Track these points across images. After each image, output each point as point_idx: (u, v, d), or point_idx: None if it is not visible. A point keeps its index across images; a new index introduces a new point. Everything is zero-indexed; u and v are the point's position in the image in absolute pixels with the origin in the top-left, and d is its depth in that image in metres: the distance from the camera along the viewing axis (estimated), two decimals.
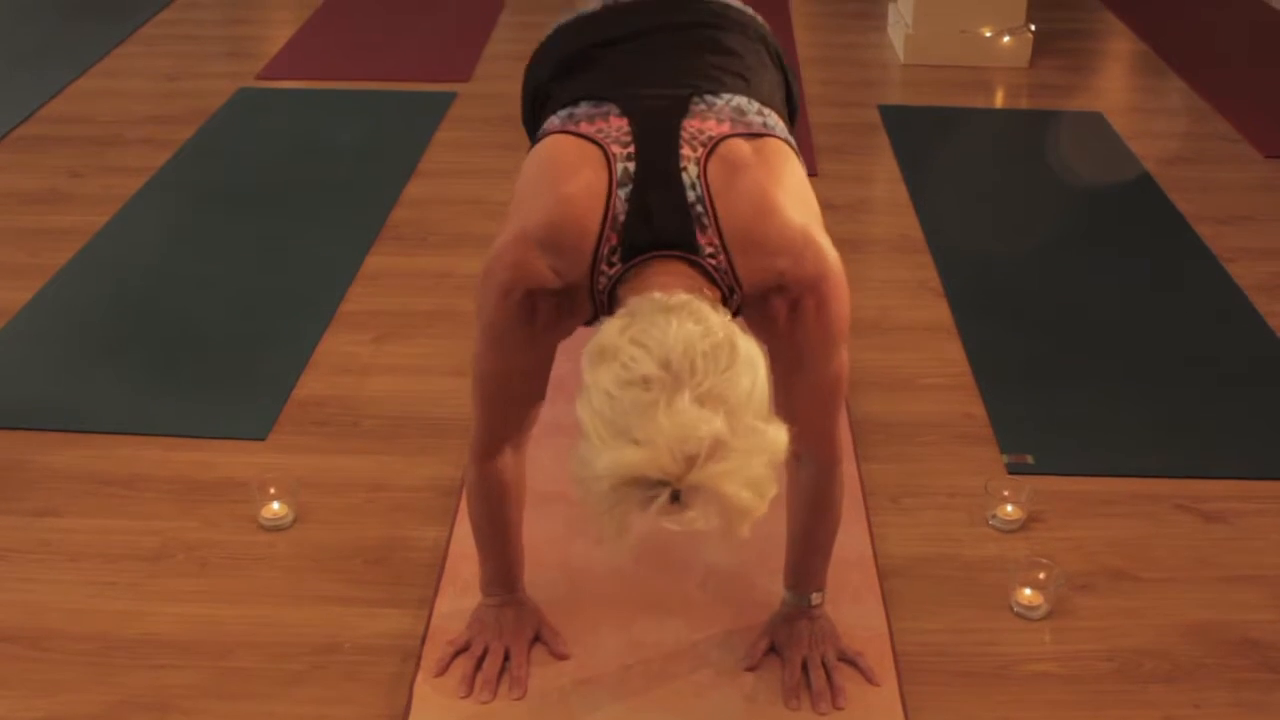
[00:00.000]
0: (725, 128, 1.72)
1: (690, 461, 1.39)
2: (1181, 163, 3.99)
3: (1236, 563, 2.31)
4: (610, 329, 1.49)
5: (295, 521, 2.38)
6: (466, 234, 3.47)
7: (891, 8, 5.18)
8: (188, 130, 4.15)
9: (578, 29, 1.96)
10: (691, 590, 2.20)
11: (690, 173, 1.67)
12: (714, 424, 1.40)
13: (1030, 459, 2.57)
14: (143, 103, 4.41)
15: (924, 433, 2.66)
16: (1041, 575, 2.18)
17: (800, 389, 1.78)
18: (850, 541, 2.30)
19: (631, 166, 1.67)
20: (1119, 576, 2.27)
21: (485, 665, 2.02)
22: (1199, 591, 2.24)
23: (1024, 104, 4.55)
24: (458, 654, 2.05)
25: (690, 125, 1.71)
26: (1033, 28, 4.84)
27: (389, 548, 2.32)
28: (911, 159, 3.98)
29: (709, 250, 1.65)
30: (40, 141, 4.09)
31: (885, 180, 3.86)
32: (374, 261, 3.32)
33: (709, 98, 1.75)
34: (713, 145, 1.69)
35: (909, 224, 3.55)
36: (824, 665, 2.01)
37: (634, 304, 1.54)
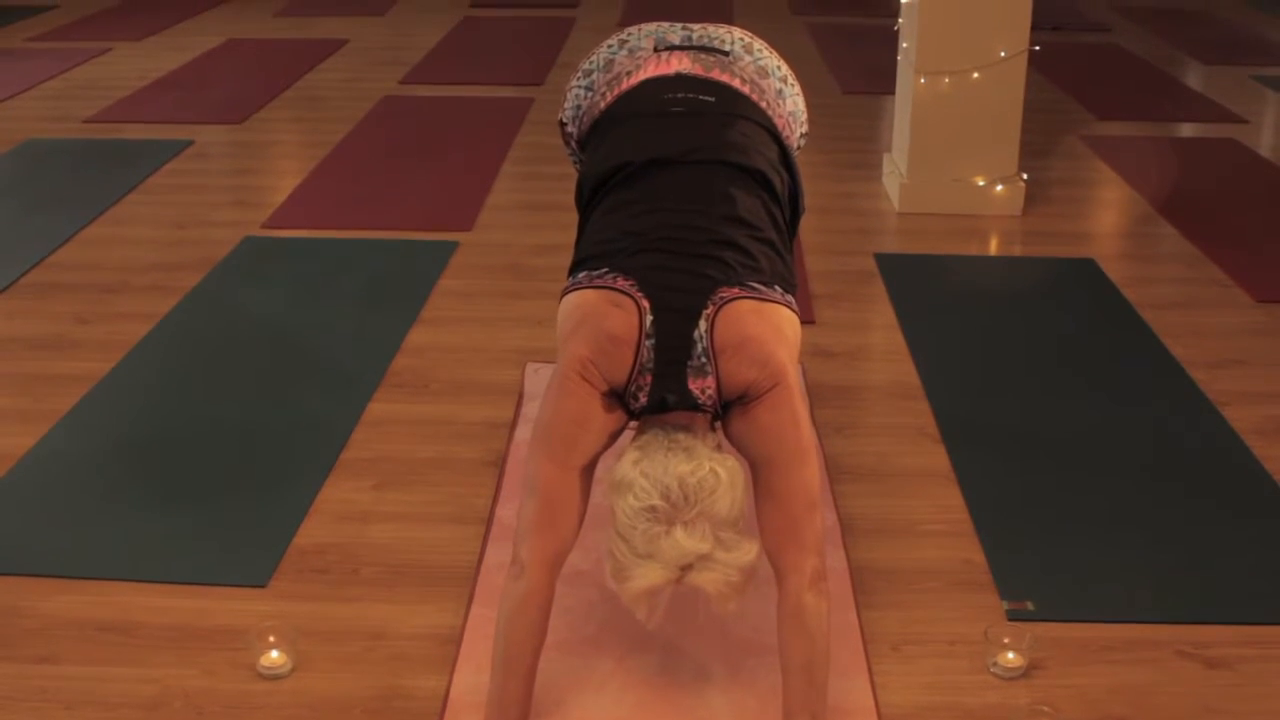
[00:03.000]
0: (736, 292, 2.18)
1: (686, 569, 1.99)
2: (1174, 308, 4.04)
3: (1241, 710, 2.29)
4: (625, 462, 2.05)
5: (294, 670, 2.37)
6: (468, 382, 3.50)
7: (886, 158, 5.28)
8: (194, 277, 4.20)
9: (620, 124, 2.50)
10: None
11: (701, 329, 2.13)
12: (701, 546, 1.97)
13: (1030, 605, 2.57)
14: (150, 250, 4.47)
15: (924, 579, 2.66)
16: None
17: (774, 489, 2.12)
18: (852, 691, 2.29)
19: (654, 323, 2.14)
20: None
21: None
22: None
23: (1017, 251, 4.62)
24: None
25: (718, 292, 2.18)
26: (1025, 176, 4.93)
27: (387, 697, 2.30)
28: (908, 306, 4.02)
29: (708, 393, 2.14)
30: (48, 288, 4.15)
31: (882, 327, 3.90)
32: (376, 409, 3.34)
33: (723, 292, 2.17)
34: (723, 304, 2.15)
35: (906, 370, 3.59)
36: None
37: (645, 440, 2.08)
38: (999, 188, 4.90)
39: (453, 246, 4.50)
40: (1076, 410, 3.37)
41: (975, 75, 4.76)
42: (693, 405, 2.14)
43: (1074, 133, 6.08)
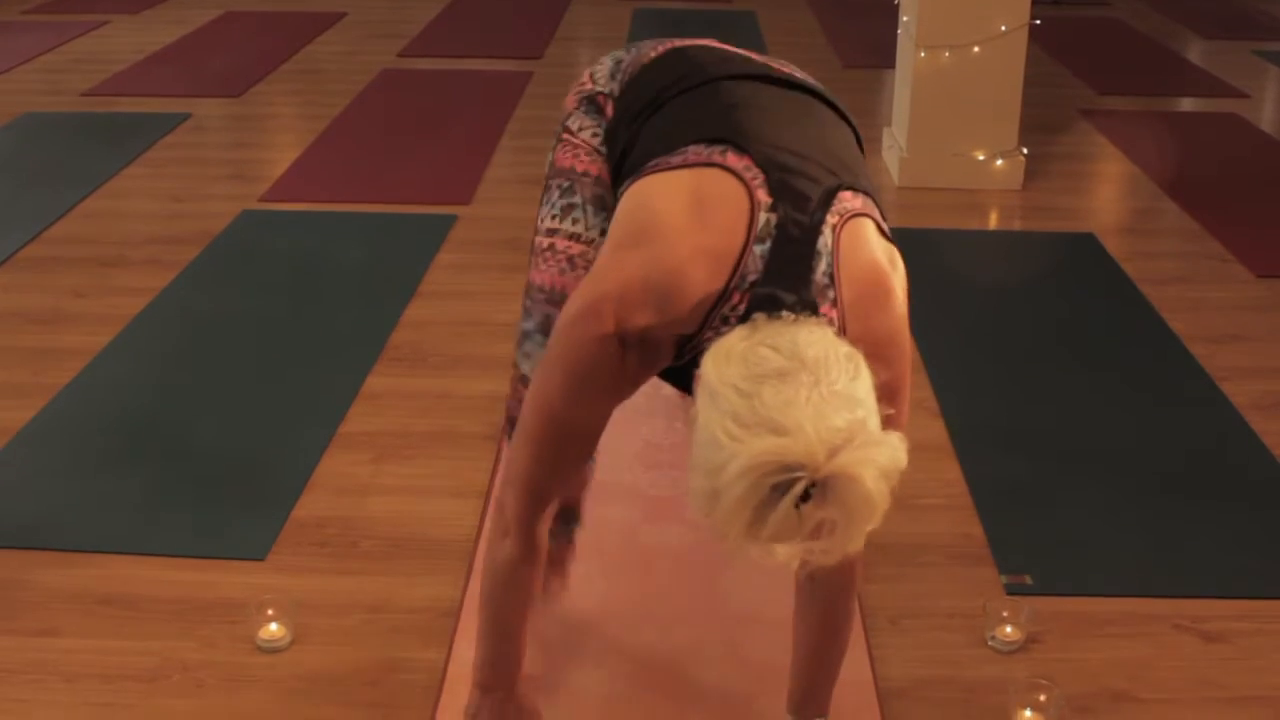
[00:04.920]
0: (864, 208, 1.70)
1: (833, 450, 1.37)
2: (1174, 283, 4.03)
3: (1238, 683, 2.30)
4: (734, 337, 1.50)
5: (293, 643, 2.37)
6: (466, 355, 3.50)
7: (886, 132, 5.27)
8: (191, 251, 4.19)
9: (677, 59, 1.94)
10: (689, 714, 2.19)
11: (827, 237, 1.63)
12: (856, 413, 1.41)
13: (1029, 579, 2.57)
14: (147, 224, 4.46)
15: (922, 554, 2.66)
16: (1042, 697, 2.16)
17: None
18: (849, 664, 2.28)
19: (773, 219, 1.62)
20: (1120, 698, 2.26)
21: None
22: (1201, 713, 2.22)
23: (1017, 226, 4.61)
24: None
25: (840, 195, 1.68)
26: (1025, 151, 4.92)
27: (386, 670, 2.31)
28: (907, 280, 4.01)
29: (829, 317, 1.62)
30: (45, 262, 4.14)
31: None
32: (374, 382, 3.34)
33: (846, 198, 1.69)
34: (850, 216, 1.67)
35: None
36: None
37: (755, 320, 1.54)
38: (999, 162, 4.88)
39: (451, 220, 4.49)
40: (1075, 385, 3.37)
41: (976, 49, 4.75)
42: (813, 310, 1.59)
43: (1074, 107, 6.06)
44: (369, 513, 2.79)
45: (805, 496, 1.37)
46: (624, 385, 1.70)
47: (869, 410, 1.44)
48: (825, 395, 1.41)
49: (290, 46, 7.13)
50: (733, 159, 1.67)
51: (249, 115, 5.90)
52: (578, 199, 2.01)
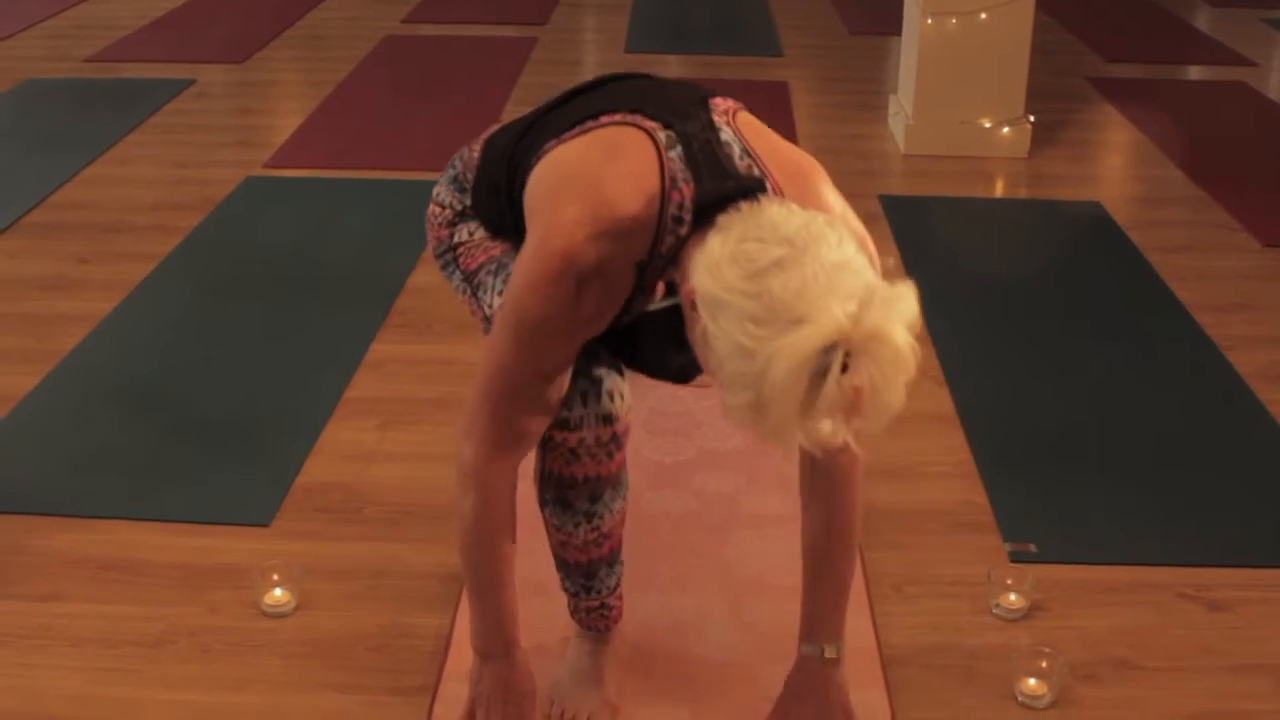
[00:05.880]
0: (735, 104, 1.81)
1: (855, 316, 1.39)
2: (1180, 251, 4.02)
3: (1241, 651, 2.30)
4: (714, 245, 1.50)
5: (298, 608, 2.37)
6: (471, 322, 3.49)
7: (892, 99, 5.24)
8: (195, 217, 4.19)
9: (509, 125, 1.99)
10: (695, 680, 2.20)
11: (726, 131, 1.73)
12: (860, 275, 1.45)
13: (1033, 547, 2.57)
14: (151, 190, 4.45)
15: (926, 521, 2.66)
16: (1045, 664, 2.17)
17: None
18: (853, 630, 2.29)
19: (671, 134, 1.70)
20: (1123, 666, 2.26)
21: None
22: (1204, 681, 2.23)
23: (1023, 194, 4.60)
24: None
25: (713, 101, 1.78)
26: (1031, 119, 4.90)
27: (391, 635, 2.31)
28: (912, 248, 4.01)
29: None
30: (50, 228, 4.13)
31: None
32: (379, 349, 3.34)
33: (718, 97, 1.80)
34: (734, 110, 1.78)
35: None
36: None
37: (722, 222, 1.54)
38: (1005, 130, 4.86)
39: None
40: (1081, 353, 3.36)
41: (983, 16, 4.72)
42: (760, 188, 1.63)
43: (1081, 75, 6.03)
44: (374, 479, 2.79)
45: (843, 368, 1.39)
46: (578, 329, 1.72)
47: (865, 265, 1.48)
48: (827, 269, 1.43)
49: (293, 12, 7.10)
50: (614, 117, 1.75)
51: (253, 81, 5.89)
52: (510, 260, 1.97)
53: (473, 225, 2.04)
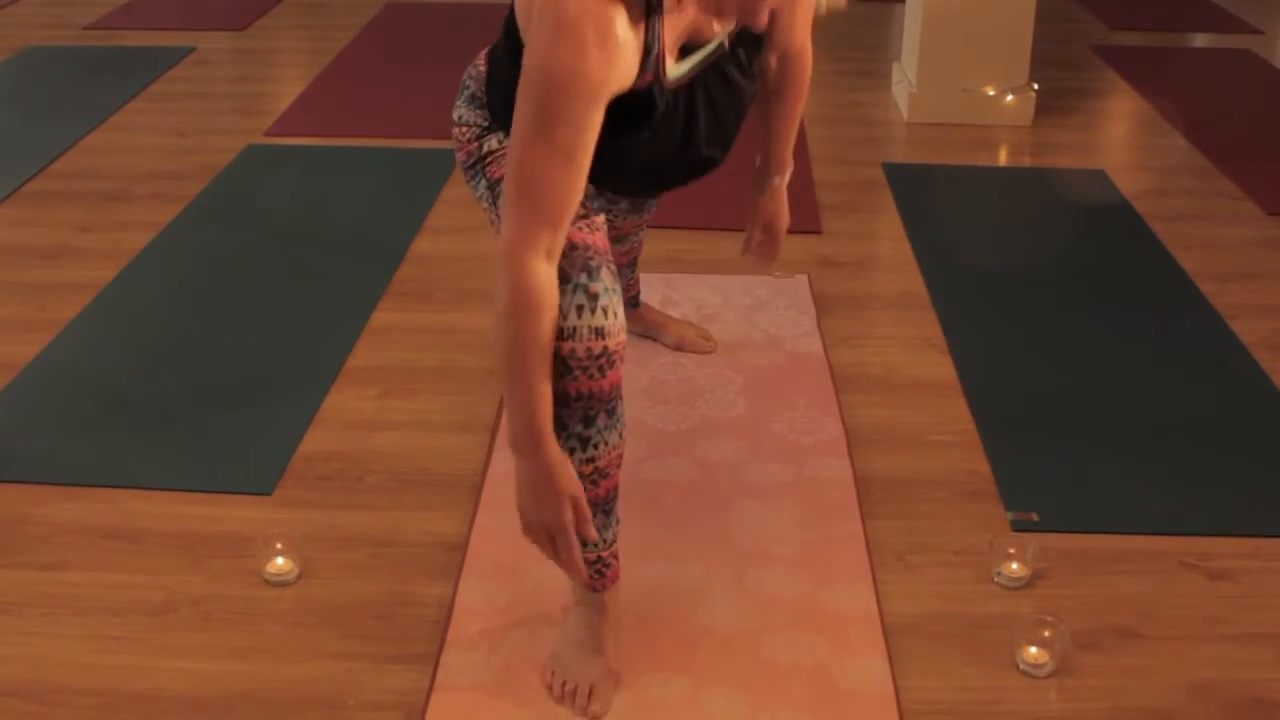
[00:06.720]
0: None
1: None
2: (1184, 220, 4.01)
3: (1244, 620, 2.30)
4: None
5: (300, 577, 2.38)
6: (472, 290, 3.48)
7: (895, 66, 5.22)
8: (196, 186, 4.18)
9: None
10: (698, 649, 2.20)
11: None
12: None
13: (1035, 516, 2.57)
14: (152, 158, 4.44)
15: (929, 490, 2.66)
16: (1047, 633, 2.17)
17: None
18: (855, 599, 2.30)
19: None
20: (1125, 634, 2.26)
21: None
22: (1206, 650, 2.23)
23: (1027, 162, 4.58)
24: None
25: None
26: (1035, 86, 4.88)
27: (394, 604, 2.32)
28: (915, 216, 4.00)
29: None
30: (50, 196, 4.12)
31: (889, 238, 3.88)
32: (380, 317, 3.33)
33: None
34: None
35: (913, 281, 3.57)
36: (774, 234, 2.70)
37: None
38: (1009, 98, 4.84)
39: None
40: (1084, 322, 3.35)
41: None
42: None
43: (1086, 42, 6.00)
44: (375, 447, 2.79)
45: None
46: (599, 91, 1.79)
47: None
48: None
49: None
50: None
51: (253, 49, 5.86)
52: None
53: (501, 135, 2.20)
